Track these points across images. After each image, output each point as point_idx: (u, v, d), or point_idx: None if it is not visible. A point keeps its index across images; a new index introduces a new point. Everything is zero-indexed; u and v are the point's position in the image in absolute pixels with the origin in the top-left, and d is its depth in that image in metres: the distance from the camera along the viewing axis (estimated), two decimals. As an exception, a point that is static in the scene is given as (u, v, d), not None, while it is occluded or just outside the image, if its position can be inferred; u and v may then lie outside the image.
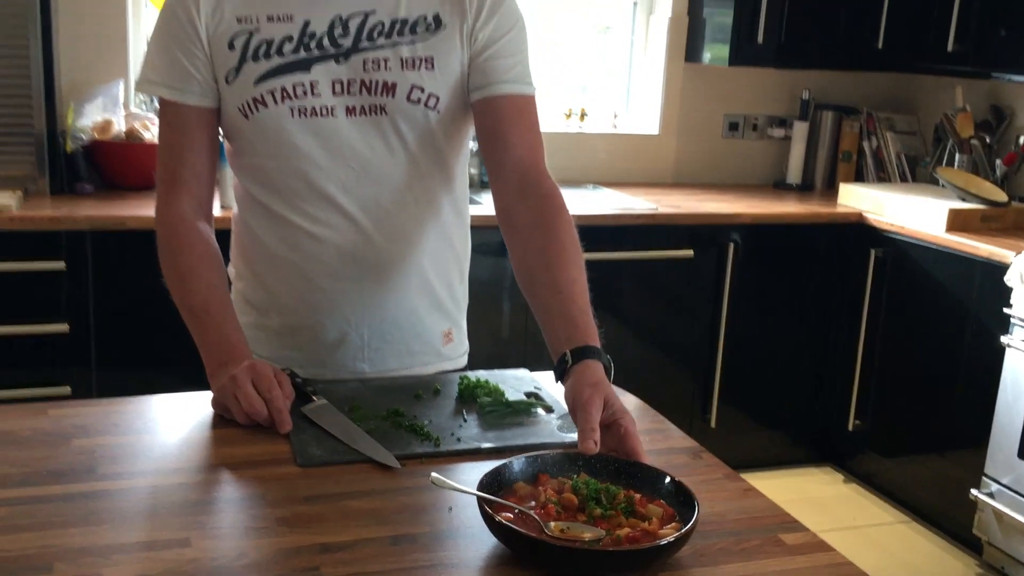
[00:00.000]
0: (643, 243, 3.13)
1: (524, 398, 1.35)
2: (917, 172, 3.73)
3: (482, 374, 1.43)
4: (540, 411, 1.33)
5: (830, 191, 3.70)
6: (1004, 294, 2.78)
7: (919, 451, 3.20)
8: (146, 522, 1.03)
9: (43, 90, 2.76)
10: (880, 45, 3.47)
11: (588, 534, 0.97)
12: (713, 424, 3.36)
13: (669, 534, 0.97)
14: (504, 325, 2.98)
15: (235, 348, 1.32)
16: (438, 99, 1.38)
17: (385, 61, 1.36)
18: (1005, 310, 2.77)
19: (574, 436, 1.15)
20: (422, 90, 1.37)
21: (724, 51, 3.44)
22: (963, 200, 3.17)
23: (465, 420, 1.30)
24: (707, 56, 3.56)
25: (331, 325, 1.46)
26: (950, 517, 3.06)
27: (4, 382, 2.55)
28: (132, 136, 2.91)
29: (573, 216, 1.39)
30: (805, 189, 3.77)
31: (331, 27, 1.35)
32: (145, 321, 2.55)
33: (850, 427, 3.40)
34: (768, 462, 3.49)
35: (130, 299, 2.61)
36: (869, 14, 3.45)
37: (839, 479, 3.50)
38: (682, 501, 1.03)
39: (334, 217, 1.41)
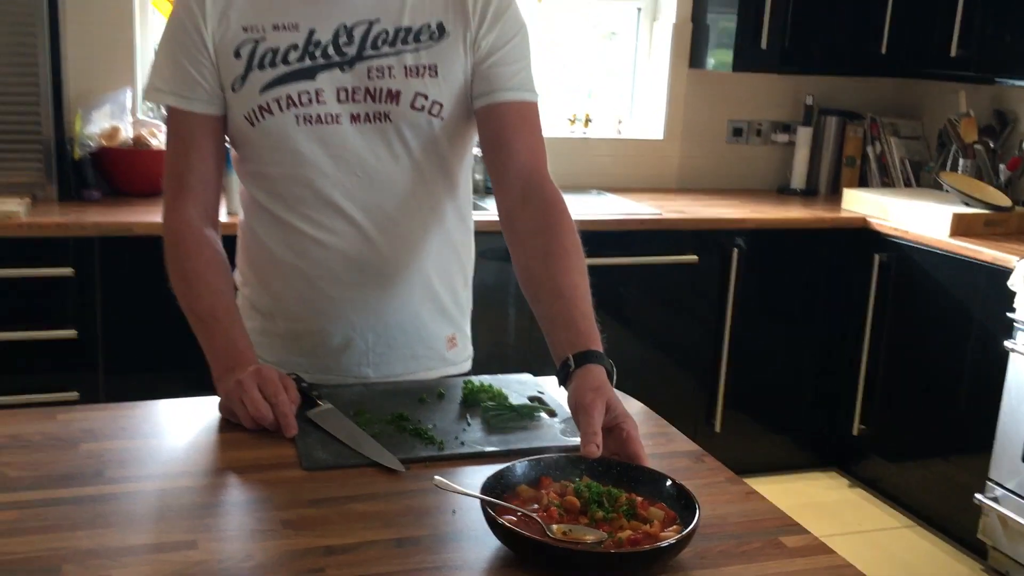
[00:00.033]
0: (647, 248, 3.14)
1: (527, 402, 1.36)
2: (921, 177, 3.74)
3: (486, 378, 1.44)
4: (543, 415, 1.34)
5: (834, 196, 3.71)
6: (1008, 299, 2.78)
7: (924, 456, 3.20)
8: (154, 525, 1.04)
9: (51, 98, 2.78)
10: (884, 50, 3.48)
11: (590, 536, 0.98)
12: (718, 429, 3.36)
13: (670, 536, 0.98)
14: (510, 329, 3.00)
15: (241, 353, 1.33)
16: (442, 106, 1.40)
17: (389, 69, 1.37)
18: (1008, 315, 2.78)
19: (577, 440, 1.16)
20: (426, 97, 1.38)
21: (728, 57, 3.45)
22: (967, 205, 3.17)
23: (469, 424, 1.31)
24: (711, 62, 3.57)
25: (336, 330, 1.47)
26: (955, 521, 3.06)
27: (13, 387, 2.56)
28: (139, 143, 2.93)
29: (577, 221, 1.40)
30: (809, 194, 3.78)
31: (336, 35, 1.37)
32: (152, 327, 2.57)
33: (855, 432, 3.40)
34: (773, 467, 3.49)
35: (137, 305, 2.63)
36: (873, 19, 3.46)
37: (844, 484, 3.50)
38: (683, 504, 1.04)
39: (339, 223, 1.42)
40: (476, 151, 1.52)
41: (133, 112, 3.03)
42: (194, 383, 1.40)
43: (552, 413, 1.35)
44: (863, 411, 3.38)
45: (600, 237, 3.04)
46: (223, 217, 1.51)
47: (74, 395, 2.61)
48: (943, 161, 3.57)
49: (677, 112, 3.72)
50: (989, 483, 2.85)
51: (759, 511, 1.13)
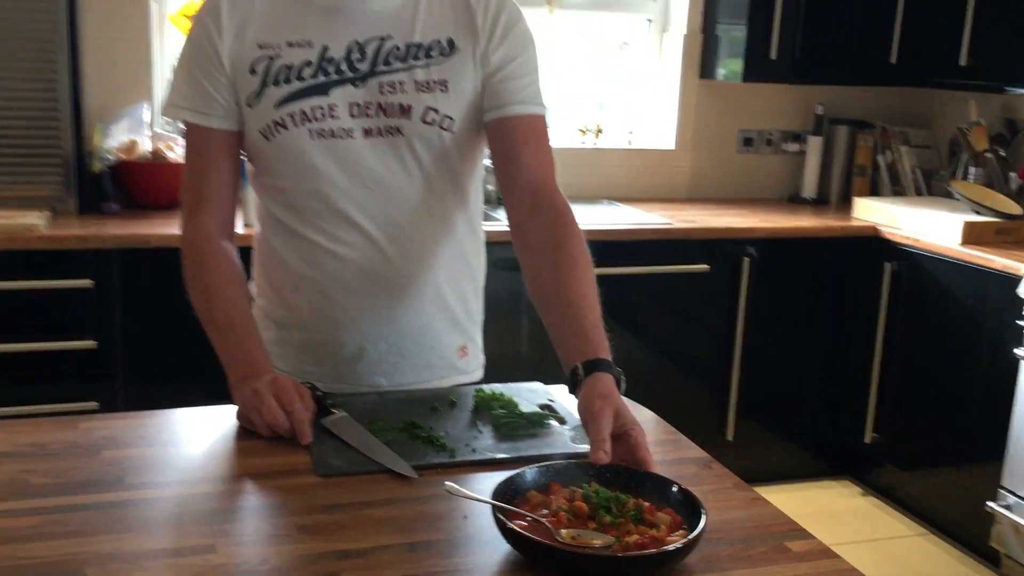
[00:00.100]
0: (659, 258, 3.16)
1: (538, 410, 1.38)
2: (932, 186, 3.74)
3: (497, 387, 1.46)
4: (553, 423, 1.36)
5: (845, 205, 3.72)
6: (1019, 306, 2.78)
7: (936, 463, 3.20)
8: (173, 530, 1.06)
9: (71, 112, 2.82)
10: (894, 60, 3.50)
11: (598, 541, 1.00)
12: (730, 437, 3.37)
13: (677, 541, 0.99)
14: (521, 338, 3.02)
15: (257, 363, 1.35)
16: (452, 120, 1.42)
17: (401, 84, 1.40)
18: (1019, 322, 2.78)
19: (586, 447, 1.17)
20: (436, 112, 1.41)
21: (738, 67, 3.47)
22: (977, 213, 3.18)
23: (480, 432, 1.33)
24: (721, 72, 3.59)
25: (349, 340, 1.50)
26: (967, 529, 3.05)
27: (33, 397, 2.60)
28: (157, 156, 2.97)
29: (589, 231, 1.42)
30: (820, 203, 3.79)
31: (348, 52, 1.40)
32: (170, 337, 2.59)
33: (867, 440, 3.40)
34: (785, 475, 3.49)
35: (156, 316, 2.66)
36: (882, 29, 3.47)
37: (857, 492, 3.50)
38: (690, 509, 1.06)
39: (352, 235, 1.45)
40: (487, 162, 1.55)
41: (151, 126, 3.08)
42: (211, 392, 1.43)
43: (562, 421, 1.37)
44: (875, 419, 3.38)
45: (611, 247, 3.06)
46: (239, 229, 1.54)
47: (93, 405, 2.64)
48: (954, 170, 3.58)
49: (688, 122, 3.74)
50: (1001, 491, 2.85)
51: (765, 516, 1.15)
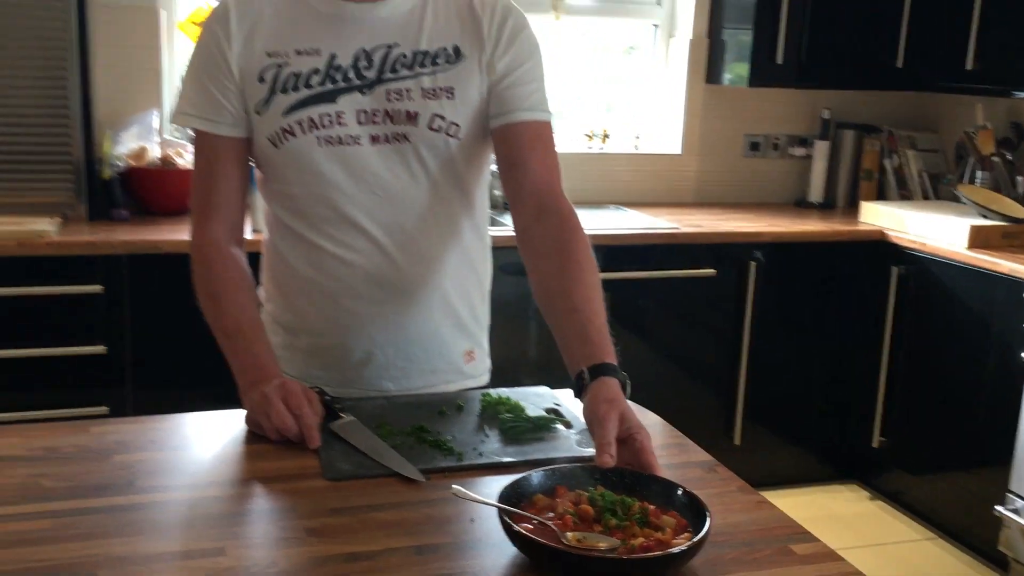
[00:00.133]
0: (665, 262, 3.16)
1: (544, 414, 1.39)
2: (940, 189, 3.74)
3: (504, 391, 1.47)
4: (560, 427, 1.37)
5: (852, 209, 3.71)
6: (1026, 310, 2.79)
7: (944, 468, 3.19)
8: (183, 532, 1.08)
9: (81, 120, 2.84)
10: (900, 64, 3.50)
11: (604, 543, 1.01)
12: (737, 441, 3.37)
13: (682, 544, 1.00)
14: (528, 342, 3.03)
15: (266, 368, 1.37)
16: (458, 127, 1.44)
17: (407, 91, 1.42)
18: (1027, 326, 2.78)
19: (592, 451, 1.18)
20: (443, 118, 1.43)
21: (744, 72, 3.47)
22: (984, 217, 3.18)
23: (487, 435, 1.34)
24: (727, 77, 3.60)
25: (357, 345, 1.51)
26: (976, 534, 3.05)
27: (44, 402, 2.62)
28: (166, 163, 2.99)
29: (596, 236, 1.43)
30: (827, 207, 3.79)
31: (356, 60, 1.41)
32: (179, 342, 2.61)
33: (875, 444, 3.40)
34: (793, 479, 3.49)
35: (165, 321, 2.68)
36: (888, 33, 3.48)
37: (864, 496, 3.50)
38: (695, 512, 1.07)
39: (359, 241, 1.46)
40: (493, 168, 1.56)
41: (160, 133, 3.10)
42: (220, 397, 1.44)
43: (568, 425, 1.38)
44: (883, 423, 3.38)
45: (618, 251, 3.07)
46: (247, 234, 1.56)
47: (103, 410, 2.66)
48: (961, 173, 3.58)
49: (694, 127, 3.74)
50: (1009, 495, 2.85)
51: (770, 519, 1.16)
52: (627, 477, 1.14)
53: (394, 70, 1.42)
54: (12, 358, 2.61)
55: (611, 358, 1.28)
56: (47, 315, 2.64)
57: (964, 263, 3.04)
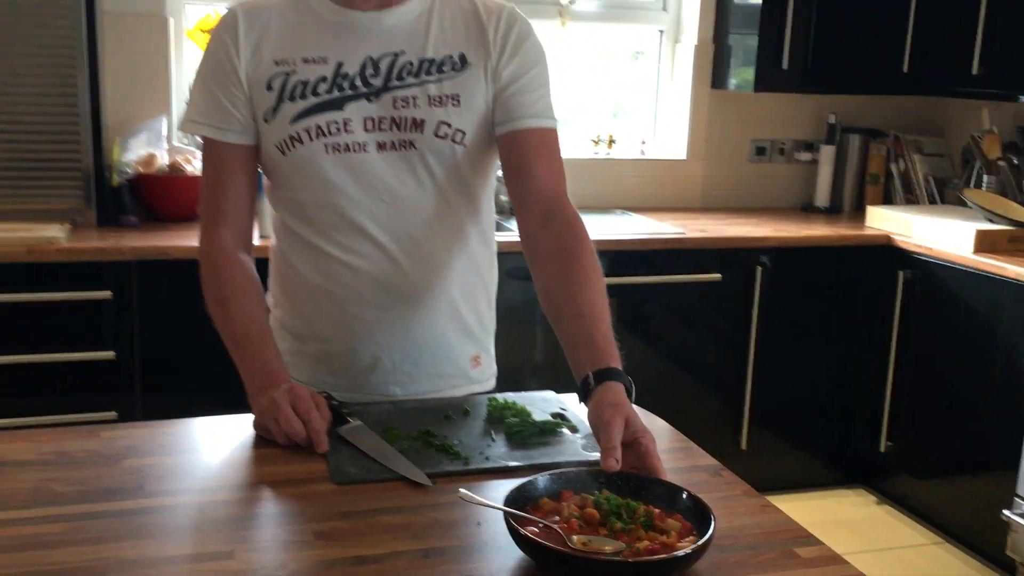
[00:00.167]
0: (672, 267, 3.17)
1: (550, 419, 1.40)
2: (946, 194, 3.74)
3: (510, 396, 1.48)
4: (565, 431, 1.38)
5: (858, 214, 3.72)
6: (1033, 314, 2.78)
7: (951, 472, 3.19)
8: (192, 536, 1.09)
9: (90, 127, 2.86)
10: (905, 69, 3.51)
11: (609, 547, 1.02)
12: (744, 446, 3.37)
13: (686, 547, 1.01)
14: (534, 347, 3.04)
15: (274, 373, 1.38)
16: (464, 134, 1.45)
17: (414, 99, 1.43)
18: (1034, 330, 2.78)
19: (597, 455, 1.19)
20: (449, 126, 1.44)
21: (750, 77, 3.48)
22: (990, 221, 3.17)
23: (493, 440, 1.35)
24: (733, 82, 3.61)
25: (364, 350, 1.52)
26: (983, 538, 3.04)
27: (53, 407, 2.63)
28: (175, 169, 3.01)
29: (602, 241, 1.45)
30: (833, 212, 3.79)
31: (363, 68, 1.43)
32: (188, 348, 2.63)
33: (882, 448, 3.40)
34: (800, 484, 3.49)
35: (173, 327, 2.69)
36: (894, 38, 3.48)
37: (872, 501, 3.49)
38: (699, 516, 1.07)
39: (366, 247, 1.47)
40: (499, 174, 1.57)
41: (168, 140, 3.12)
42: (228, 402, 1.44)
43: (574, 429, 1.38)
44: (889, 428, 3.38)
45: (624, 256, 3.08)
46: (255, 240, 1.57)
47: (112, 415, 2.68)
48: (967, 178, 3.58)
49: (700, 132, 3.75)
50: (1017, 499, 2.85)
51: (774, 523, 1.16)
52: (632, 481, 1.14)
53: (400, 78, 1.43)
54: (22, 363, 2.63)
55: (616, 363, 1.28)
56: (56, 321, 2.65)
57: (970, 267, 3.04)
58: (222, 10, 1.51)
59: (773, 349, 3.35)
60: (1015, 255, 3.03)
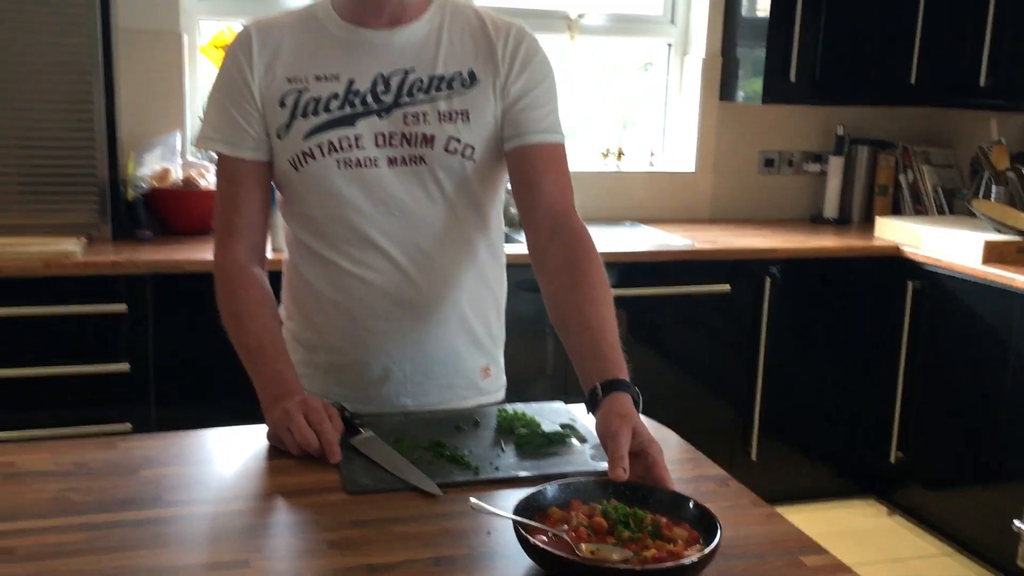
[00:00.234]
0: (681, 278, 3.18)
1: (559, 429, 1.41)
2: (955, 205, 3.74)
3: (519, 406, 1.50)
4: (574, 441, 1.39)
5: (867, 225, 3.72)
6: (1042, 324, 2.79)
7: (962, 483, 3.19)
8: (208, 545, 1.11)
9: (106, 142, 2.89)
10: (913, 80, 3.52)
11: (617, 555, 1.03)
12: (754, 457, 3.38)
13: (693, 555, 1.02)
14: (545, 358, 3.05)
15: (288, 384, 1.40)
16: (473, 149, 1.47)
17: (424, 115, 1.45)
18: (1043, 340, 2.78)
19: (605, 465, 1.21)
20: (458, 141, 1.46)
21: (758, 89, 3.50)
22: (999, 232, 3.18)
23: (503, 450, 1.36)
24: (741, 94, 3.63)
25: (376, 362, 1.54)
26: (994, 549, 3.04)
27: (68, 419, 2.65)
28: (189, 184, 3.04)
29: (611, 253, 1.47)
30: (842, 223, 3.80)
31: (374, 84, 1.45)
32: (202, 360, 2.65)
33: (892, 459, 3.40)
34: (811, 495, 3.49)
35: (188, 339, 2.72)
36: (902, 50, 3.50)
37: (882, 511, 3.49)
38: (706, 525, 1.09)
39: (377, 261, 1.49)
40: (508, 186, 1.59)
41: (183, 154, 3.15)
42: (241, 413, 1.46)
43: (582, 439, 1.40)
44: (900, 438, 3.37)
45: (634, 268, 3.09)
46: (268, 254, 1.59)
47: (127, 426, 2.69)
48: (975, 188, 3.58)
49: (708, 144, 3.77)
50: (1028, 510, 2.85)
51: (781, 532, 1.18)
52: (639, 490, 1.16)
53: (411, 94, 1.46)
54: (38, 376, 2.66)
55: (624, 374, 1.30)
56: (72, 334, 2.68)
57: (979, 278, 3.05)
58: (235, 26, 1.54)
59: (782, 360, 3.35)
60: (1023, 265, 3.03)
